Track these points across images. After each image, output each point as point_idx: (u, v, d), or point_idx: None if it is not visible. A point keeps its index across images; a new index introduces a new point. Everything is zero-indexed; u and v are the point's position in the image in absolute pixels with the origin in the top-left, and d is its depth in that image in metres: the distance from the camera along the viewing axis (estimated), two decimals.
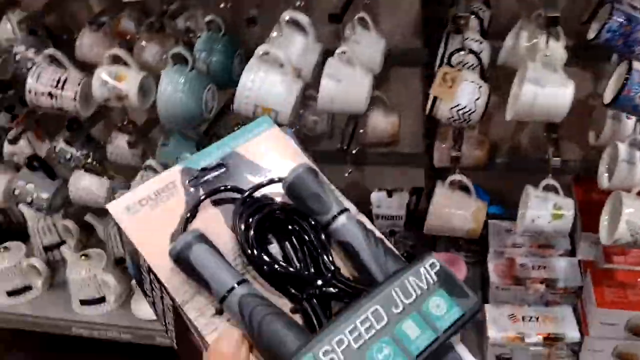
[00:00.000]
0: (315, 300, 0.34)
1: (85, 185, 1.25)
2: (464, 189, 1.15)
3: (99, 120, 1.28)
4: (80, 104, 1.11)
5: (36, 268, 1.56)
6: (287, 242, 0.36)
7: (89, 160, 1.26)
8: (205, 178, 0.37)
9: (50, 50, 1.12)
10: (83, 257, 1.50)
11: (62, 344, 1.60)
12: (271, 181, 0.38)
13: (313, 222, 0.36)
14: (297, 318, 0.34)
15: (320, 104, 1.00)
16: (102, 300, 1.50)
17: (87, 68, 1.20)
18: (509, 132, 1.43)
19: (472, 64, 1.00)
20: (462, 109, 0.92)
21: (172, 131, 1.29)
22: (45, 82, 1.10)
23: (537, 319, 1.25)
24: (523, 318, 1.26)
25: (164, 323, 0.39)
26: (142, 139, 1.25)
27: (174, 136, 1.30)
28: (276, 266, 0.34)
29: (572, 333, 1.22)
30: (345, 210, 0.36)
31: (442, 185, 1.11)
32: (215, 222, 0.36)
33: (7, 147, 1.39)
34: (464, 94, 0.92)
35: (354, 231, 0.36)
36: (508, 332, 1.23)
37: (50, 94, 1.10)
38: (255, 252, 0.35)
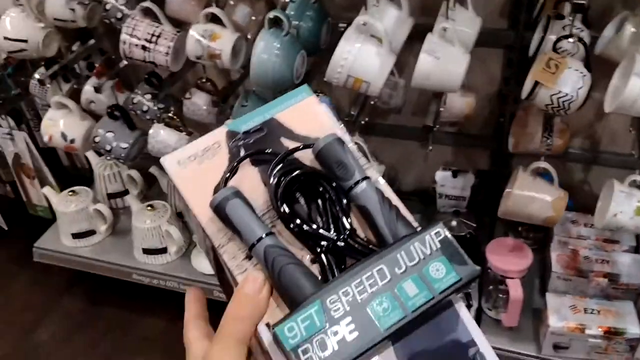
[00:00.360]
0: (330, 255, 0.39)
1: (164, 138, 1.27)
2: (543, 176, 1.14)
3: (181, 76, 1.30)
4: (171, 59, 1.13)
5: (102, 214, 1.61)
6: (312, 201, 0.40)
7: (170, 114, 1.28)
8: (246, 140, 0.42)
9: (147, 4, 1.13)
10: (149, 208, 1.54)
11: (116, 287, 1.66)
12: (303, 147, 0.42)
13: (337, 186, 0.40)
14: (315, 268, 0.39)
15: (415, 79, 1.00)
16: (164, 250, 1.55)
17: (175, 24, 1.21)
18: (587, 122, 1.41)
19: (573, 52, 0.98)
20: (564, 96, 0.91)
21: (250, 92, 1.30)
22: (140, 34, 1.11)
23: (599, 312, 1.25)
24: (585, 310, 1.26)
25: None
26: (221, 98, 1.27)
27: (251, 97, 1.31)
28: (298, 222, 0.39)
29: (632, 329, 1.22)
30: (366, 178, 0.40)
31: (523, 171, 1.11)
32: (252, 179, 0.41)
33: (89, 94, 1.41)
34: (568, 81, 0.91)
35: (372, 197, 0.40)
36: (569, 322, 1.23)
37: (143, 47, 1.11)
38: (282, 208, 0.39)
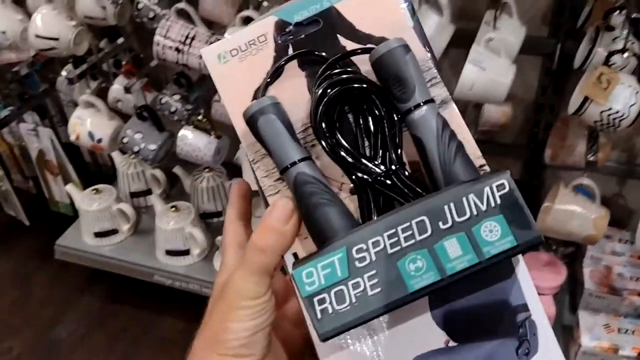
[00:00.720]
0: (371, 190, 0.33)
1: (194, 141, 1.25)
2: (581, 192, 1.11)
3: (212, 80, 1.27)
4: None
5: (124, 213, 1.59)
6: (361, 122, 0.35)
7: (200, 117, 1.26)
8: (297, 35, 0.36)
9: (182, 5, 1.11)
10: (173, 209, 1.52)
11: (136, 286, 1.65)
12: (360, 51, 0.35)
13: (392, 109, 0.34)
14: (353, 200, 0.34)
15: (458, 90, 0.97)
16: (186, 252, 1.53)
17: (207, 23, 1.19)
18: (624, 135, 1.37)
19: (623, 65, 0.94)
20: (615, 113, 0.88)
21: None
22: (174, 36, 1.09)
23: (633, 332, 1.22)
24: (619, 330, 1.22)
25: None
26: None
27: None
28: (338, 147, 0.34)
29: None
30: (428, 102, 0.33)
31: (564, 186, 1.07)
32: (297, 85, 0.35)
33: (116, 93, 1.40)
34: (620, 98, 0.87)
35: (430, 127, 0.33)
36: (602, 342, 1.20)
37: (177, 49, 1.09)
38: (321, 127, 0.34)
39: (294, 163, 0.33)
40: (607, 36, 0.97)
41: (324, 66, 0.35)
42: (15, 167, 1.84)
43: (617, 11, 0.96)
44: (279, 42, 0.36)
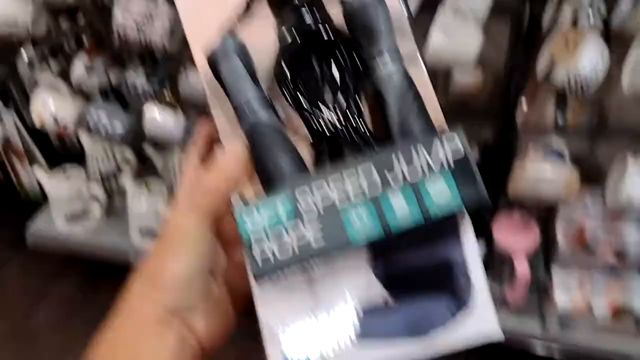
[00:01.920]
0: (325, 141, 0.33)
1: (161, 120, 1.22)
2: (553, 153, 1.12)
3: (177, 56, 1.24)
4: (168, 39, 1.07)
5: (95, 195, 1.56)
6: (326, 70, 0.34)
7: (166, 94, 1.22)
8: None
9: None
10: (145, 188, 1.49)
11: (112, 271, 1.63)
12: None
13: (358, 61, 0.33)
14: (311, 152, 0.33)
15: (426, 56, 0.96)
16: None
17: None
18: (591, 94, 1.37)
19: (590, 26, 0.94)
20: (583, 76, 0.88)
21: None
22: (134, 15, 1.05)
23: (606, 288, 1.25)
24: (592, 285, 1.25)
25: None
26: None
27: None
28: (298, 95, 0.33)
29: None
30: (395, 57, 0.33)
31: (534, 149, 1.08)
32: (266, 26, 0.34)
33: (79, 74, 1.35)
34: (587, 60, 0.87)
35: (393, 83, 0.33)
36: (576, 300, 1.22)
37: (138, 28, 1.05)
38: (284, 73, 0.33)
39: (253, 109, 0.32)
40: None
41: (292, 9, 0.33)
42: None
43: None
44: None
